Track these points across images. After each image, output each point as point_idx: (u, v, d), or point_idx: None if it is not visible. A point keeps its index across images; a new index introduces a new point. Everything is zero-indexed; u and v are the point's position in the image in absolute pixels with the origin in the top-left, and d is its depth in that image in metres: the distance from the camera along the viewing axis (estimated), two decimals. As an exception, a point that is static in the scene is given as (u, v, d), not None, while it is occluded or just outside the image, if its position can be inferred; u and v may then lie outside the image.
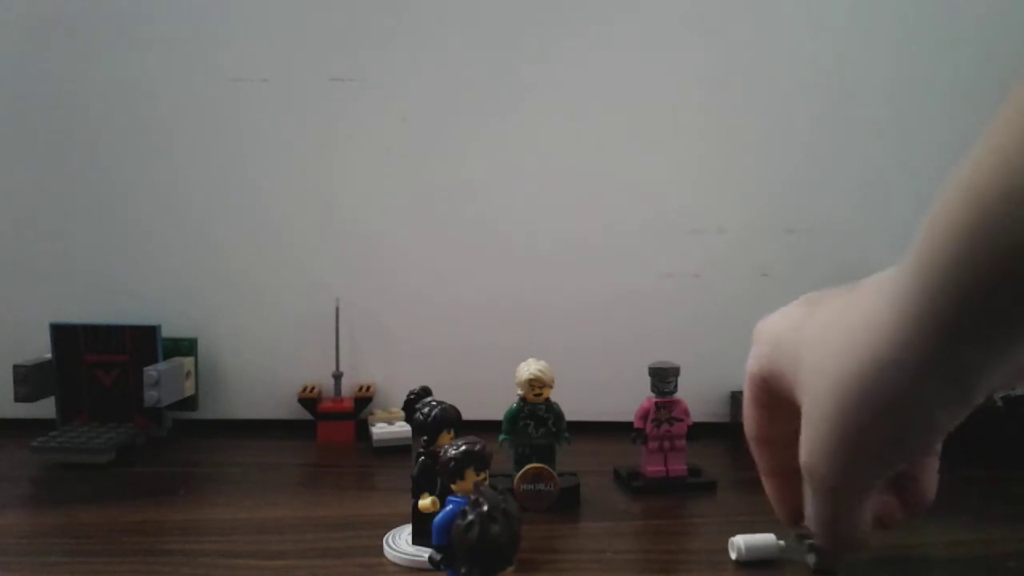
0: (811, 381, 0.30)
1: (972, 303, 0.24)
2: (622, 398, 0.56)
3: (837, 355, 0.28)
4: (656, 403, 0.52)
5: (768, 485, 0.38)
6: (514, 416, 0.49)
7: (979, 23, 0.66)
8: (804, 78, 0.67)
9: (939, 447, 0.35)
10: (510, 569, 0.30)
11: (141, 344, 0.63)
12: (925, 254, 0.25)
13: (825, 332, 0.30)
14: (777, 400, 0.33)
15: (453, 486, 0.35)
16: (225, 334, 0.67)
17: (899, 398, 0.27)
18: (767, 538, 0.41)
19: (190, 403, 0.65)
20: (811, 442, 0.30)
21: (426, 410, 0.42)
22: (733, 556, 0.41)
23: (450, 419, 0.41)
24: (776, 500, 0.38)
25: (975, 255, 0.23)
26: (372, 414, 0.65)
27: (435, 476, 0.40)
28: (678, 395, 0.52)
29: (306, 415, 0.65)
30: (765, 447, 0.37)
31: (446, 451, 0.35)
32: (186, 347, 0.65)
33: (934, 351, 0.26)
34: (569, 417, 0.50)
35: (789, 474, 0.34)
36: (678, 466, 0.52)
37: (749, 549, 0.40)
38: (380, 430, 0.62)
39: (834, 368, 0.28)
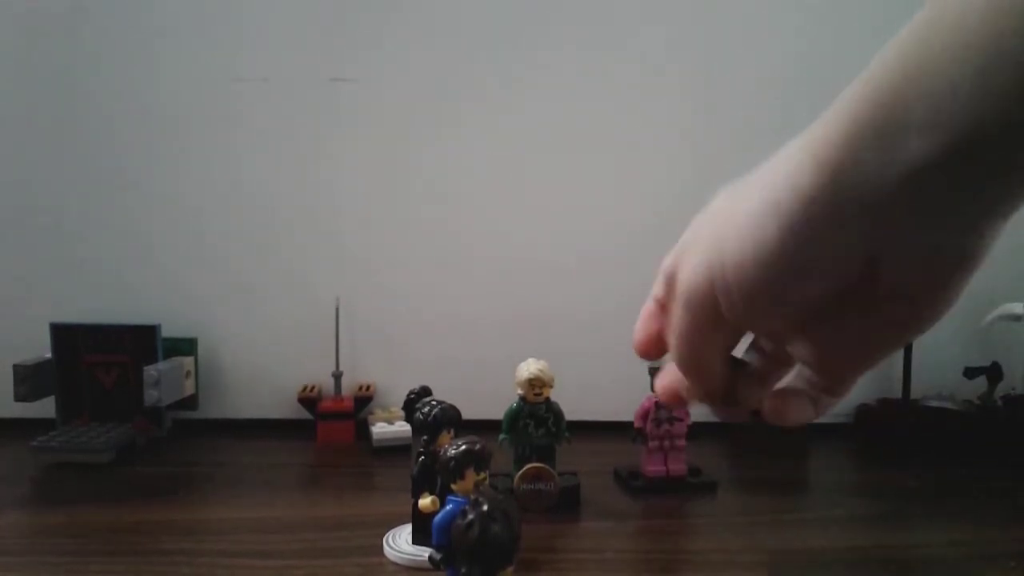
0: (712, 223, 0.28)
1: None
2: (622, 398, 0.56)
3: (741, 201, 0.26)
4: (656, 403, 0.52)
5: (643, 311, 0.36)
6: (514, 416, 0.49)
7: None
8: (803, 78, 0.67)
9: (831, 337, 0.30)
10: (510, 568, 0.30)
11: (141, 344, 0.63)
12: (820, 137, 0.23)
13: (732, 199, 0.27)
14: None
15: (453, 486, 0.34)
16: (225, 334, 0.67)
17: (785, 235, 0.24)
18: None
19: (190, 403, 0.65)
20: (686, 252, 0.28)
21: (426, 410, 0.42)
22: None
23: (450, 419, 0.41)
24: (641, 322, 0.35)
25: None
26: (372, 414, 0.65)
27: (435, 476, 0.40)
28: (678, 395, 0.52)
29: (306, 415, 0.65)
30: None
31: (446, 451, 0.35)
32: (186, 347, 0.65)
33: (825, 195, 0.23)
34: (569, 417, 0.50)
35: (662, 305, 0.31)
36: (678, 466, 0.52)
37: None
38: (380, 430, 0.62)
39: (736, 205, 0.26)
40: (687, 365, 0.31)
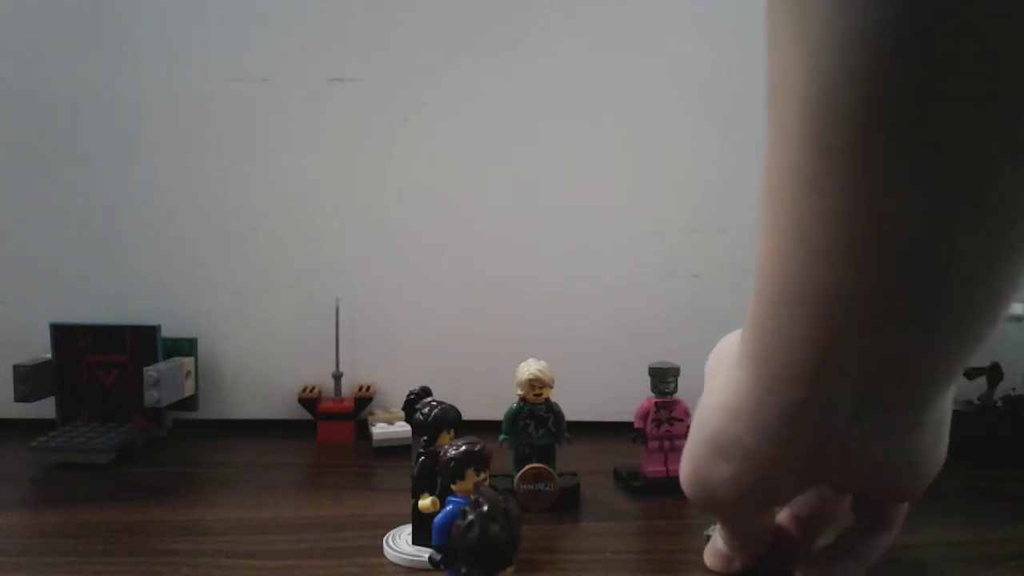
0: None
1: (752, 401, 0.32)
2: (622, 398, 0.56)
3: (705, 397, 0.36)
4: (656, 403, 0.52)
5: None
6: (514, 416, 0.49)
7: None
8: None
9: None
10: (510, 569, 0.30)
11: (141, 344, 0.63)
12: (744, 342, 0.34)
13: (709, 372, 0.38)
14: None
15: (453, 486, 0.35)
16: (225, 334, 0.67)
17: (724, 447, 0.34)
18: None
19: (190, 403, 0.65)
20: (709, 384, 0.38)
21: (426, 410, 0.42)
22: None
23: (450, 419, 0.41)
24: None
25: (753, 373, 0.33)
26: (372, 414, 0.65)
27: (435, 476, 0.40)
28: (678, 395, 0.52)
29: (306, 415, 0.65)
30: None
31: (446, 451, 0.35)
32: (186, 347, 0.65)
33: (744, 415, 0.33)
34: (569, 417, 0.50)
35: None
36: (678, 466, 0.52)
37: None
38: (380, 430, 0.62)
39: (699, 409, 0.37)
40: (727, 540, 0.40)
